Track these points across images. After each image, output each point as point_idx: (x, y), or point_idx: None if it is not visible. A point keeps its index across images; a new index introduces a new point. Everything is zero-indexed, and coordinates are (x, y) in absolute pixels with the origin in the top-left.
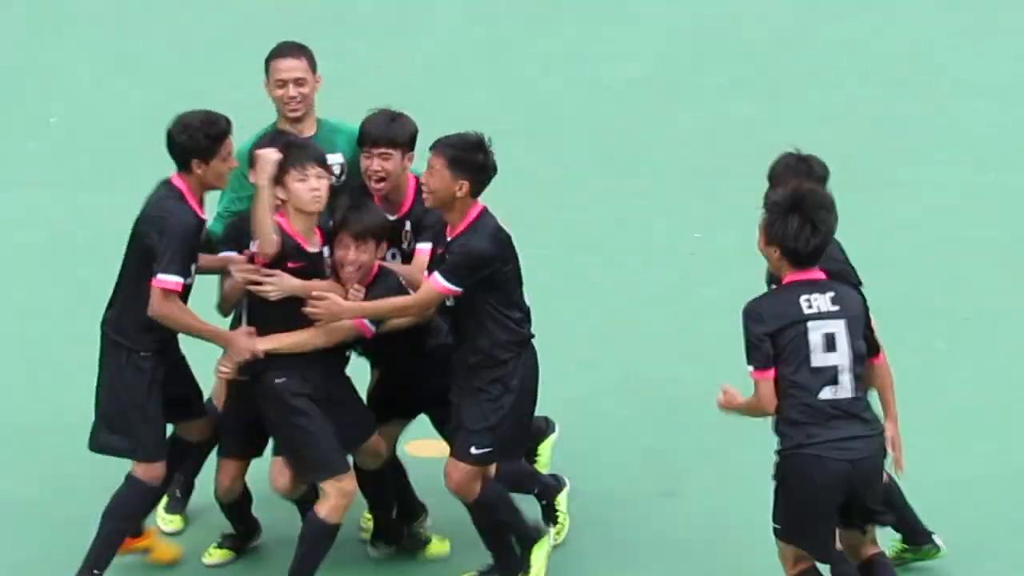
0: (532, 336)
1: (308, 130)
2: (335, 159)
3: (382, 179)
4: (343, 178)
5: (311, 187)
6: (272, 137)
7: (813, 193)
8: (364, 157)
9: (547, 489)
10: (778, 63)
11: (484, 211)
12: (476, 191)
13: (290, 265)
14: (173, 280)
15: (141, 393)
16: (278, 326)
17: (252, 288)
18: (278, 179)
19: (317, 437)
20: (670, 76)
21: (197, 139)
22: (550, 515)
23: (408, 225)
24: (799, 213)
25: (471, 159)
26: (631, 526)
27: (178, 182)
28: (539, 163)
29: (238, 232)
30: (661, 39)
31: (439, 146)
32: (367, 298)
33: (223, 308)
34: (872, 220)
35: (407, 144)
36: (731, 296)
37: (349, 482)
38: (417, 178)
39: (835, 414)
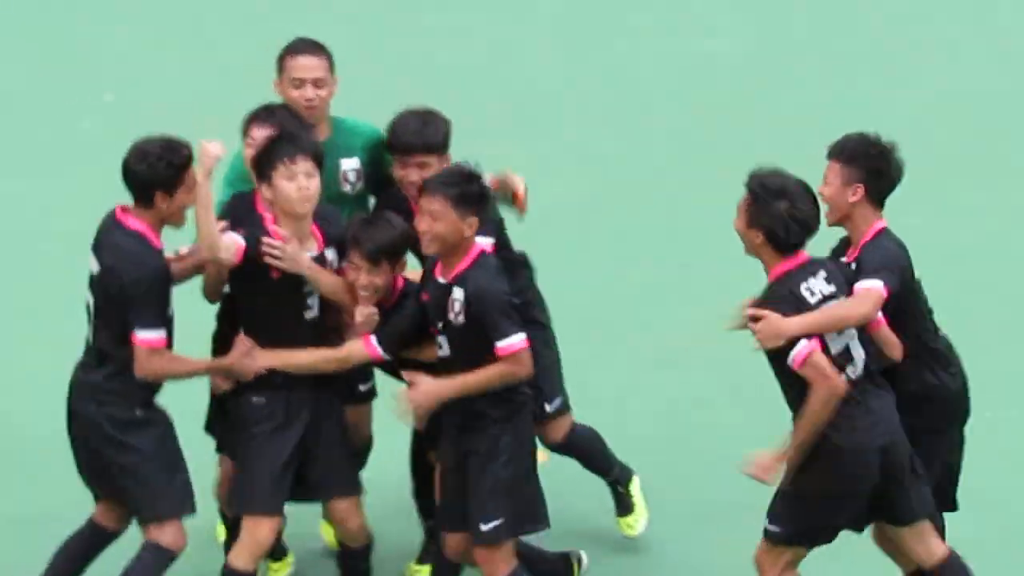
0: (529, 398)
1: (322, 134)
2: (351, 164)
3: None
4: (359, 185)
5: (300, 186)
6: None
7: (799, 181)
8: (399, 166)
9: (623, 474)
10: (891, 42)
11: (483, 250)
12: (481, 225)
13: (273, 273)
14: (156, 336)
15: (152, 448)
16: (272, 332)
17: (269, 259)
18: (263, 174)
19: (254, 469)
20: (769, 54)
21: (158, 169)
22: (625, 504)
23: None
24: (786, 198)
25: (473, 192)
26: (732, 545)
27: (134, 222)
28: (625, 148)
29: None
30: (760, 13)
31: (436, 187)
32: (385, 321)
33: (210, 291)
34: (987, 211)
35: (444, 147)
36: None
37: (265, 530)
38: None
39: (860, 394)
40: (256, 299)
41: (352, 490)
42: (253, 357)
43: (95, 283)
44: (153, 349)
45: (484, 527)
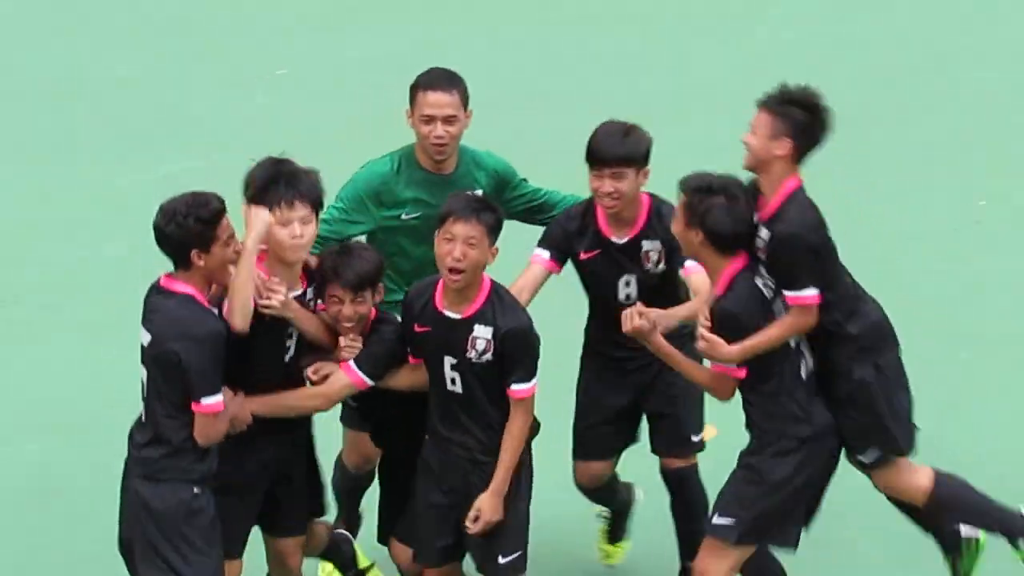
0: None
1: (448, 167)
2: None
3: (616, 199)
4: None
5: (293, 233)
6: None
7: (735, 180)
8: (594, 177)
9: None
10: None
11: (493, 281)
12: None
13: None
14: (218, 400)
15: (198, 530)
16: (251, 375)
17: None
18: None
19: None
20: (942, 29)
21: (188, 226)
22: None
23: (649, 245)
24: (724, 194)
25: (499, 219)
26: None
27: (182, 286)
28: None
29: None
30: None
31: (468, 214)
32: (359, 357)
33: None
34: None
35: (642, 160)
36: (1018, 271)
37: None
38: (650, 196)
39: (809, 391)
40: (243, 341)
41: (300, 530)
42: (243, 405)
43: (148, 355)
44: (217, 415)
45: (504, 560)
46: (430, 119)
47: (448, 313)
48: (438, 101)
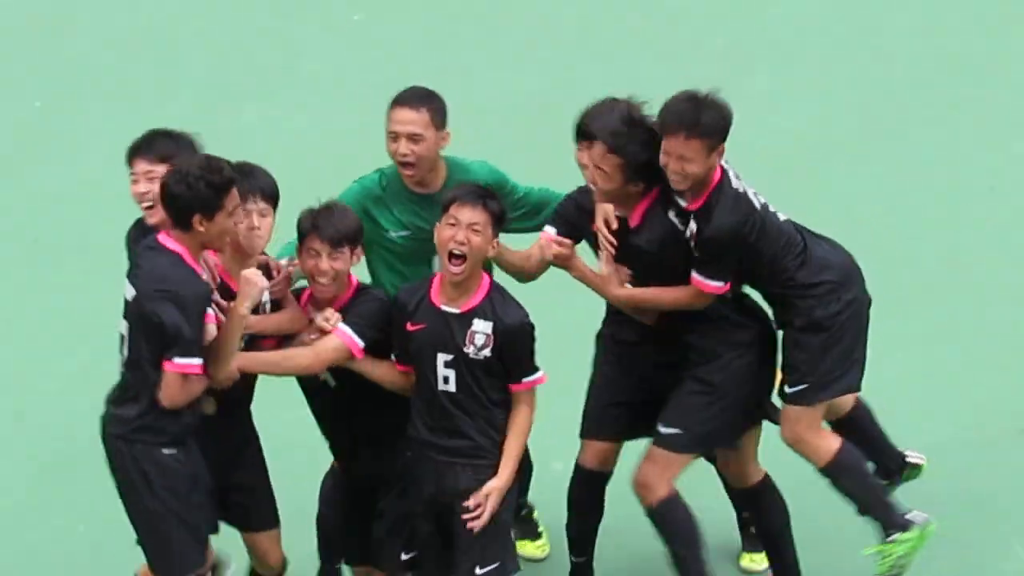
0: None
1: (432, 185)
2: None
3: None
4: None
5: (251, 225)
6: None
7: (644, 116)
8: (577, 151)
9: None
10: None
11: (491, 278)
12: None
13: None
14: (193, 363)
15: (174, 496)
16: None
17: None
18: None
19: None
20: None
21: (198, 189)
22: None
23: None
24: (653, 138)
25: (503, 209)
26: (986, 469)
27: (174, 244)
28: (878, 81)
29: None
30: None
31: (475, 200)
32: (347, 319)
33: None
34: None
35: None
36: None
37: None
38: None
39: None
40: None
41: (274, 523)
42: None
43: (131, 310)
44: (187, 376)
45: (480, 571)
46: (395, 136)
47: (446, 308)
48: (403, 118)
